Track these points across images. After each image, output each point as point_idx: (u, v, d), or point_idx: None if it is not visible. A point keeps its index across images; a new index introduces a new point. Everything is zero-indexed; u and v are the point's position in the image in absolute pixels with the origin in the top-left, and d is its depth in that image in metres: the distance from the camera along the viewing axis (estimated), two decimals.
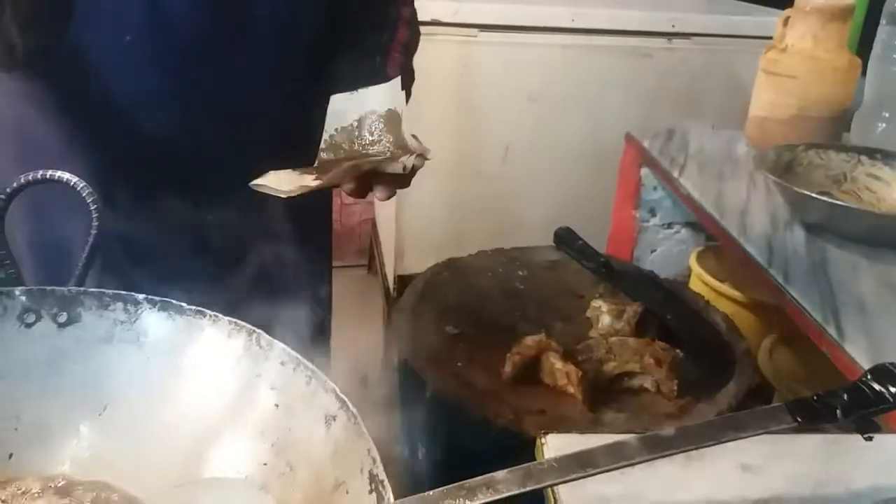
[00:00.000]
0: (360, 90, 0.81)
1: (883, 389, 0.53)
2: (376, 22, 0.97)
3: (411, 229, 1.94)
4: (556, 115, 1.87)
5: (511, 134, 1.86)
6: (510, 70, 1.83)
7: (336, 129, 0.79)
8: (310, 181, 0.73)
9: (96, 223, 0.81)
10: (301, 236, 0.99)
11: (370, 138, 0.77)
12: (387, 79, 0.92)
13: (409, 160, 0.72)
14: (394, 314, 0.92)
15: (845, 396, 0.53)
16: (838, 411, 0.53)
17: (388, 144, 0.76)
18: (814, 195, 0.98)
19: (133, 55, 0.79)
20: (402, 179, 0.75)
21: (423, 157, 0.73)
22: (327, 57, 0.93)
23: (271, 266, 0.92)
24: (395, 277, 2.00)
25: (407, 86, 0.96)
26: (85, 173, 0.85)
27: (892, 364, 0.55)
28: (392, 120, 0.77)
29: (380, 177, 0.74)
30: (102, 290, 0.69)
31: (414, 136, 0.77)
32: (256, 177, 0.76)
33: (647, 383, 0.80)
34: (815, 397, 0.54)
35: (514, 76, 1.84)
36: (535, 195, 1.88)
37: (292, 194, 0.73)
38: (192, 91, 0.78)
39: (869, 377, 0.54)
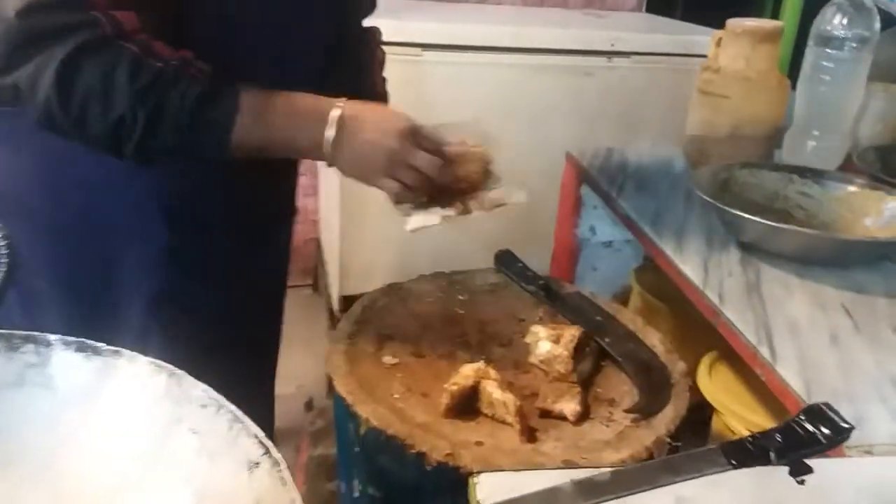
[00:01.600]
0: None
1: (815, 430, 0.54)
2: (362, 43, 1.05)
3: (356, 249, 1.91)
4: (500, 134, 1.87)
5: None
6: (454, 89, 1.83)
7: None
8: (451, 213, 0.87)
9: (6, 260, 0.77)
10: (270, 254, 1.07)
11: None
12: (377, 96, 0.99)
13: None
14: (329, 344, 0.90)
15: (779, 438, 0.54)
16: (772, 454, 0.53)
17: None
18: (746, 216, 1.00)
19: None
20: None
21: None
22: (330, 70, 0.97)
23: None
24: (339, 298, 1.97)
25: (387, 100, 1.05)
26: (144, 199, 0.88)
27: (825, 404, 0.55)
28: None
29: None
30: (11, 331, 0.66)
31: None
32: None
33: (567, 410, 0.80)
34: (749, 440, 0.54)
35: (458, 95, 1.84)
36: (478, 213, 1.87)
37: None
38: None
39: (802, 417, 0.55)
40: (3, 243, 0.76)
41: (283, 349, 1.18)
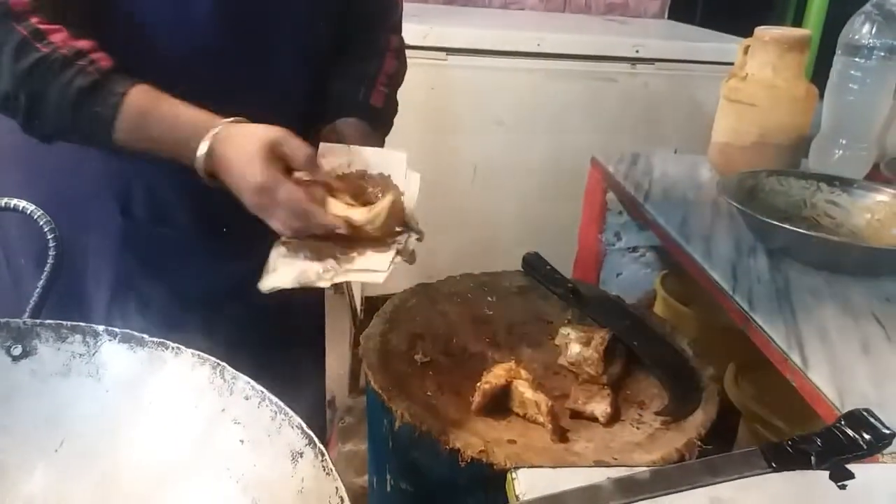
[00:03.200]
0: (352, 147, 0.84)
1: (857, 436, 0.54)
2: (365, 51, 0.98)
3: None
4: (524, 138, 1.89)
5: (479, 155, 1.87)
6: (478, 93, 1.84)
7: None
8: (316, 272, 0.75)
9: (53, 252, 0.79)
10: None
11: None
12: (369, 110, 0.93)
13: (410, 244, 0.79)
14: (362, 341, 0.91)
15: (819, 442, 0.54)
16: (813, 458, 0.53)
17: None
18: (775, 223, 1.00)
19: (156, 58, 0.80)
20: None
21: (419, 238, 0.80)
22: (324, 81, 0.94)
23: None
24: (362, 299, 1.98)
25: (389, 117, 0.98)
26: (104, 185, 0.86)
27: (865, 410, 0.56)
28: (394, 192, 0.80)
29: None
30: (60, 321, 0.67)
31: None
32: None
33: (598, 412, 0.81)
34: (789, 442, 0.55)
35: (482, 99, 1.85)
36: (503, 216, 1.89)
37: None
38: (206, 99, 0.77)
39: (843, 423, 0.55)
40: (50, 236, 0.78)
41: None
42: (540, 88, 1.90)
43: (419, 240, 0.80)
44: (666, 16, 2.56)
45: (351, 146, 0.84)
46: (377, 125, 0.93)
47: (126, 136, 0.74)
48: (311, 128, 0.94)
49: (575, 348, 0.88)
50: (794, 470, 0.52)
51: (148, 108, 0.75)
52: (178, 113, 0.75)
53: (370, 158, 0.82)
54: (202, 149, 0.74)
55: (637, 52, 1.93)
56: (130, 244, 0.89)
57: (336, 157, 0.82)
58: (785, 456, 0.52)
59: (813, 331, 0.86)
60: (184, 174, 0.78)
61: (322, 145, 0.83)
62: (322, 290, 1.07)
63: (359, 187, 0.80)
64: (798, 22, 2.65)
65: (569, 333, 0.91)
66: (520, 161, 1.88)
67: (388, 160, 0.82)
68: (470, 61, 1.83)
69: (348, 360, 2.09)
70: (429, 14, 2.03)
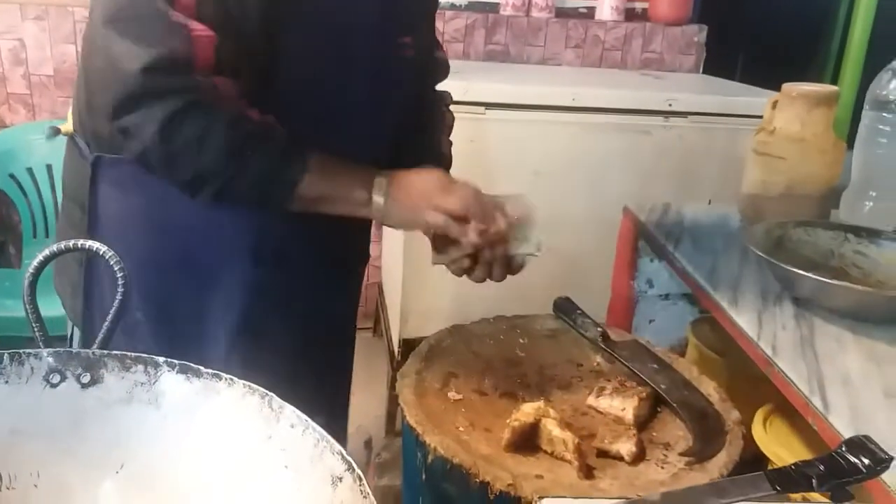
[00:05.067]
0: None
1: (857, 460, 0.57)
2: (432, 107, 1.14)
3: (417, 294, 1.99)
4: (559, 188, 1.94)
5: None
6: (515, 145, 1.92)
7: None
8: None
9: (122, 289, 0.86)
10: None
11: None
12: (442, 157, 1.10)
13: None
14: (399, 378, 0.96)
15: (821, 467, 0.57)
16: (814, 481, 0.56)
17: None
18: (801, 272, 1.03)
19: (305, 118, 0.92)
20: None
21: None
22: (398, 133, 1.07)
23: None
24: (400, 341, 2.03)
25: (451, 161, 1.13)
26: (237, 240, 0.98)
27: (865, 437, 0.59)
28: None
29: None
30: (125, 352, 0.74)
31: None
32: None
33: (623, 451, 0.84)
34: (792, 467, 0.58)
35: (518, 151, 1.92)
36: (536, 263, 1.93)
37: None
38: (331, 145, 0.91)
39: (844, 448, 0.58)
40: (120, 274, 0.85)
41: None
42: (575, 141, 1.96)
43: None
44: (700, 70, 2.61)
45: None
46: (446, 168, 1.08)
47: (306, 191, 0.87)
48: None
49: (614, 402, 0.92)
50: (796, 492, 0.55)
51: (323, 166, 0.88)
52: (347, 164, 0.90)
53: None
54: (379, 179, 0.90)
55: (670, 105, 1.99)
56: (257, 287, 0.99)
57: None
58: (788, 479, 0.55)
59: (836, 376, 0.89)
60: (304, 221, 0.91)
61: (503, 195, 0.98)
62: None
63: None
64: (836, 76, 2.69)
65: (606, 388, 0.94)
66: (554, 209, 1.93)
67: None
68: (508, 115, 1.91)
69: (385, 401, 2.13)
70: (469, 70, 2.13)
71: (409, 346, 1.98)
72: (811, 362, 0.92)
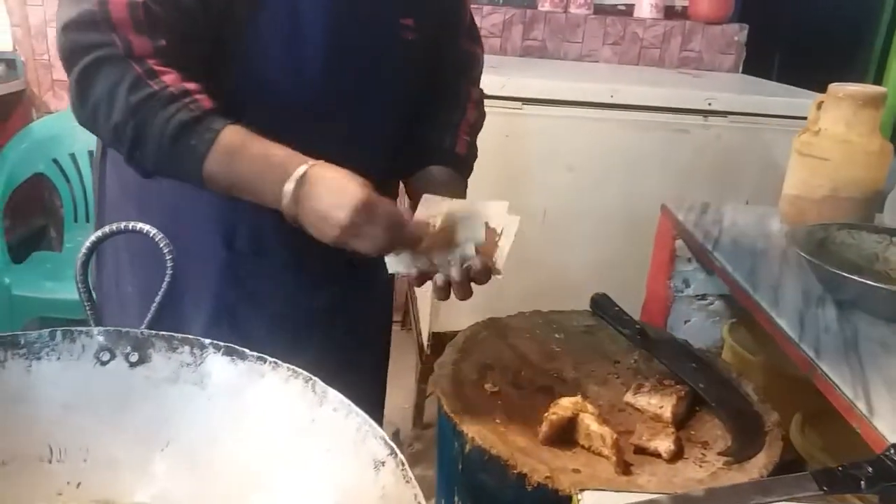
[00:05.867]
0: (452, 199, 0.90)
1: None
2: (450, 102, 1.07)
3: None
4: (593, 185, 1.93)
5: (549, 199, 1.93)
6: (551, 141, 1.91)
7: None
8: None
9: (170, 271, 0.88)
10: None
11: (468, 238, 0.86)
12: (454, 157, 1.01)
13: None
14: (436, 369, 0.97)
15: (869, 469, 0.57)
16: (863, 483, 0.56)
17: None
18: (846, 274, 1.02)
19: (265, 109, 0.88)
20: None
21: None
22: (408, 125, 1.02)
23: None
24: (429, 334, 2.04)
25: (471, 163, 1.06)
26: (212, 221, 0.95)
27: None
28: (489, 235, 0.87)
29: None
30: (172, 333, 0.75)
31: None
32: None
33: (661, 448, 0.83)
34: (840, 468, 0.58)
35: (554, 146, 1.91)
36: (570, 259, 1.93)
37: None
38: (305, 147, 0.85)
39: (892, 451, 0.57)
40: (169, 257, 0.87)
41: None
42: (612, 138, 1.95)
43: (497, 276, 0.86)
44: (740, 70, 2.58)
45: (451, 199, 0.90)
46: (461, 170, 1.01)
47: (216, 169, 0.80)
48: (396, 174, 1.03)
49: (652, 399, 0.91)
50: (843, 493, 0.54)
51: (239, 146, 0.81)
52: (268, 153, 0.81)
53: (469, 209, 0.88)
54: (294, 176, 0.79)
55: (710, 104, 1.96)
56: (230, 273, 0.97)
57: (437, 207, 0.88)
58: (835, 480, 0.55)
59: (880, 380, 0.87)
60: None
61: (424, 197, 0.90)
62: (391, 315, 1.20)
63: (448, 242, 0.86)
64: (878, 79, 2.63)
65: (644, 385, 0.94)
66: (590, 206, 1.93)
67: (487, 208, 0.88)
68: (544, 110, 1.90)
69: (414, 394, 2.14)
70: (506, 65, 2.13)
71: (438, 339, 1.99)
72: (855, 366, 0.90)
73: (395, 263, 0.86)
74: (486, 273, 0.85)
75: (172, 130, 0.79)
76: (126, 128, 0.80)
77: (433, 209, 0.88)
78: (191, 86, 0.81)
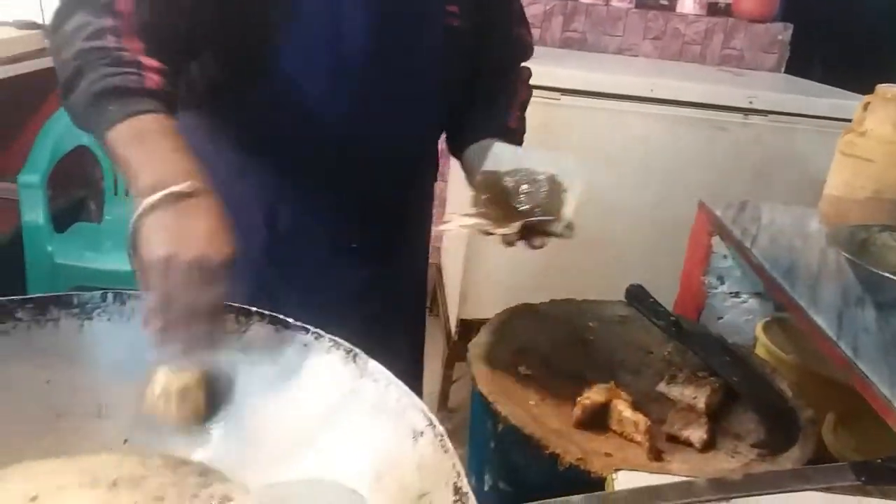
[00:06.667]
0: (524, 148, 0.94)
1: None
2: (503, 84, 1.10)
3: (478, 275, 2.00)
4: (630, 178, 1.93)
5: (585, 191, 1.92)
6: (589, 133, 1.91)
7: (494, 171, 0.88)
8: (489, 227, 0.83)
9: None
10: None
11: (530, 192, 0.87)
12: (508, 131, 1.04)
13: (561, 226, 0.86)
14: (469, 349, 0.98)
15: None
16: None
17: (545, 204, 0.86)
18: (889, 275, 1.00)
19: (315, 78, 0.89)
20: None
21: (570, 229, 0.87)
22: (460, 106, 1.04)
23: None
24: (457, 321, 2.05)
25: (521, 136, 1.09)
26: (255, 198, 0.96)
27: None
28: (555, 187, 0.87)
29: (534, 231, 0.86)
30: None
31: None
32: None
33: (694, 437, 0.84)
34: (879, 460, 0.58)
35: (591, 139, 1.91)
36: (603, 251, 1.92)
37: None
38: (352, 112, 0.87)
39: None
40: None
41: None
42: (650, 132, 1.94)
43: (567, 236, 0.87)
44: (782, 70, 2.54)
45: (521, 149, 0.92)
46: (512, 143, 1.03)
47: (112, 141, 0.74)
48: (431, 164, 1.08)
49: (686, 390, 0.91)
50: (883, 485, 0.54)
51: (145, 134, 0.74)
52: (163, 148, 0.73)
53: (540, 159, 0.89)
54: (157, 195, 0.68)
55: (751, 103, 1.94)
56: (270, 252, 0.98)
57: (508, 158, 0.89)
58: (875, 472, 0.55)
59: None
60: (328, 198, 0.88)
61: (496, 145, 0.91)
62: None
63: (507, 208, 0.86)
64: None
65: (678, 376, 0.94)
66: (625, 199, 1.92)
67: (556, 161, 0.88)
68: (583, 102, 1.90)
69: (440, 378, 2.16)
70: (546, 56, 2.12)
71: (466, 326, 2.00)
72: (894, 367, 0.90)
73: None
74: (550, 226, 0.86)
75: (99, 88, 0.75)
76: (69, 67, 0.78)
77: (502, 160, 0.89)
78: (148, 62, 0.77)
